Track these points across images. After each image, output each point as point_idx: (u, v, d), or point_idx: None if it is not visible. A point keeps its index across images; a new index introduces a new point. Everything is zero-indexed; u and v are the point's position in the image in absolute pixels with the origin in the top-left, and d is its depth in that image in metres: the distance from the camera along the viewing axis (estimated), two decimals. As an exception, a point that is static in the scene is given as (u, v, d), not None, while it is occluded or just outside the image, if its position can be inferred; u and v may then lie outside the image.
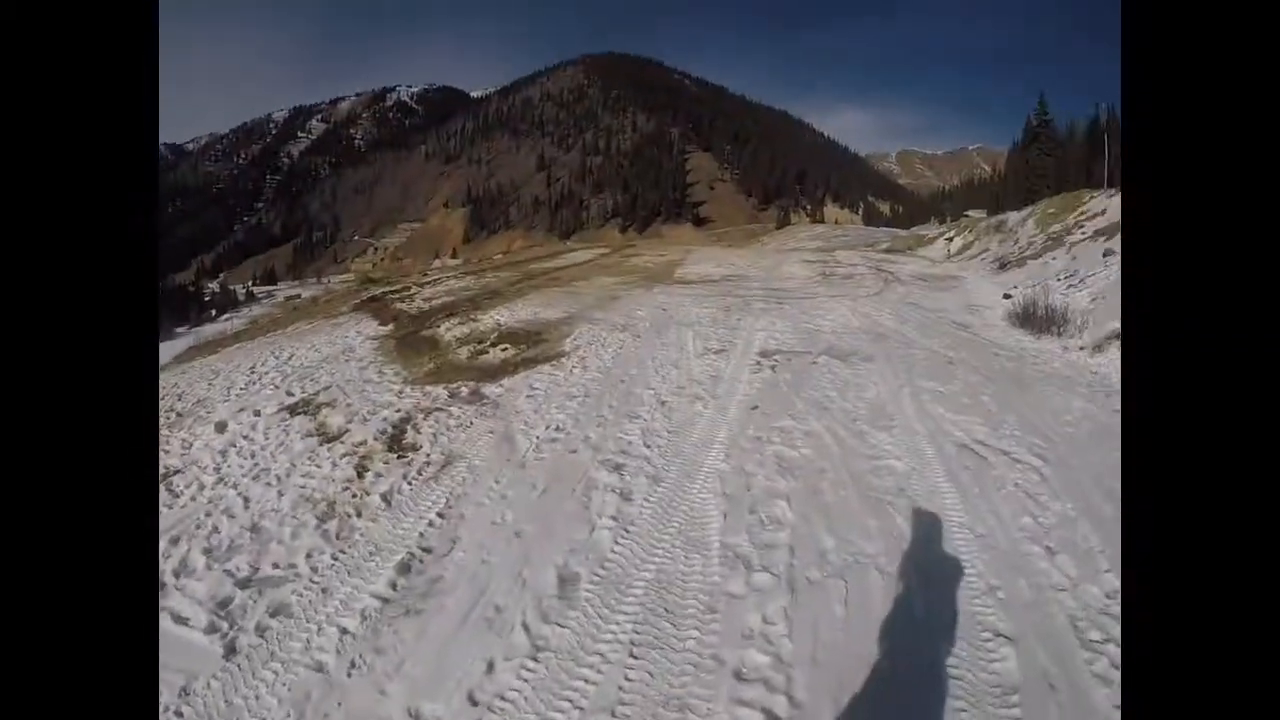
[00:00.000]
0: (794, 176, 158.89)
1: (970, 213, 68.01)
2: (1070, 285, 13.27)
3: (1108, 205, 19.39)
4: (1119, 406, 6.01)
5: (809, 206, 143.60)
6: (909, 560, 3.50)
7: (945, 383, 6.61)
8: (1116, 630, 2.89)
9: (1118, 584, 3.15)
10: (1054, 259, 16.55)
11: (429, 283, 16.54)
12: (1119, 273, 11.76)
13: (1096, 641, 2.86)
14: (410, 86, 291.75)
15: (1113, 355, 7.91)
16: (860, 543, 3.65)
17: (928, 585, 3.29)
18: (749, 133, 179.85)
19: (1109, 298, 10.49)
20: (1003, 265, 19.00)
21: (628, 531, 3.85)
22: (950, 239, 29.33)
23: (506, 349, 8.19)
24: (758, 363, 7.19)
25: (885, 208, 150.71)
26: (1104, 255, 14.34)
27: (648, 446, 5.03)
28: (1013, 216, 25.56)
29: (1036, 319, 10.09)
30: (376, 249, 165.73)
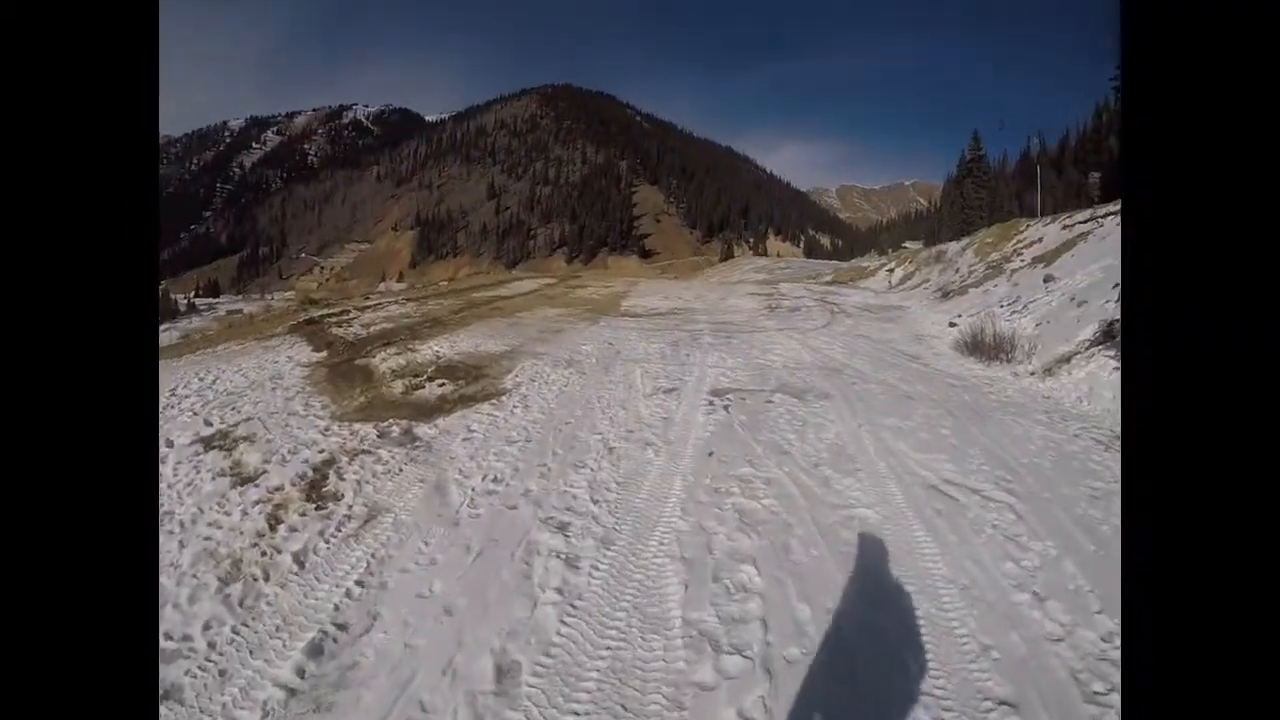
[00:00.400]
0: (738, 210, 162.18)
1: (908, 244, 70.39)
2: (1014, 311, 13.41)
3: (1043, 233, 19.87)
4: (1078, 432, 6.03)
5: (752, 240, 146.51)
6: (895, 626, 3.10)
7: (904, 418, 6.36)
8: (1118, 678, 2.68)
9: (1112, 626, 3.03)
10: (995, 286, 16.80)
11: (370, 307, 15.72)
12: (1060, 298, 12.01)
13: (1100, 694, 2.65)
14: (367, 106, 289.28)
15: (1063, 380, 7.93)
16: (839, 610, 3.23)
17: (918, 653, 2.90)
18: (695, 167, 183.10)
19: (1052, 323, 10.61)
20: (945, 294, 19.23)
21: (575, 607, 3.33)
22: (891, 270, 29.88)
23: (444, 384, 7.59)
24: (710, 402, 6.79)
25: (826, 240, 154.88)
26: (1044, 281, 14.55)
27: (595, 502, 4.51)
28: (952, 247, 26.16)
29: (985, 346, 10.12)
30: (322, 268, 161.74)
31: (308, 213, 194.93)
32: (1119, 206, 16.98)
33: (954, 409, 6.77)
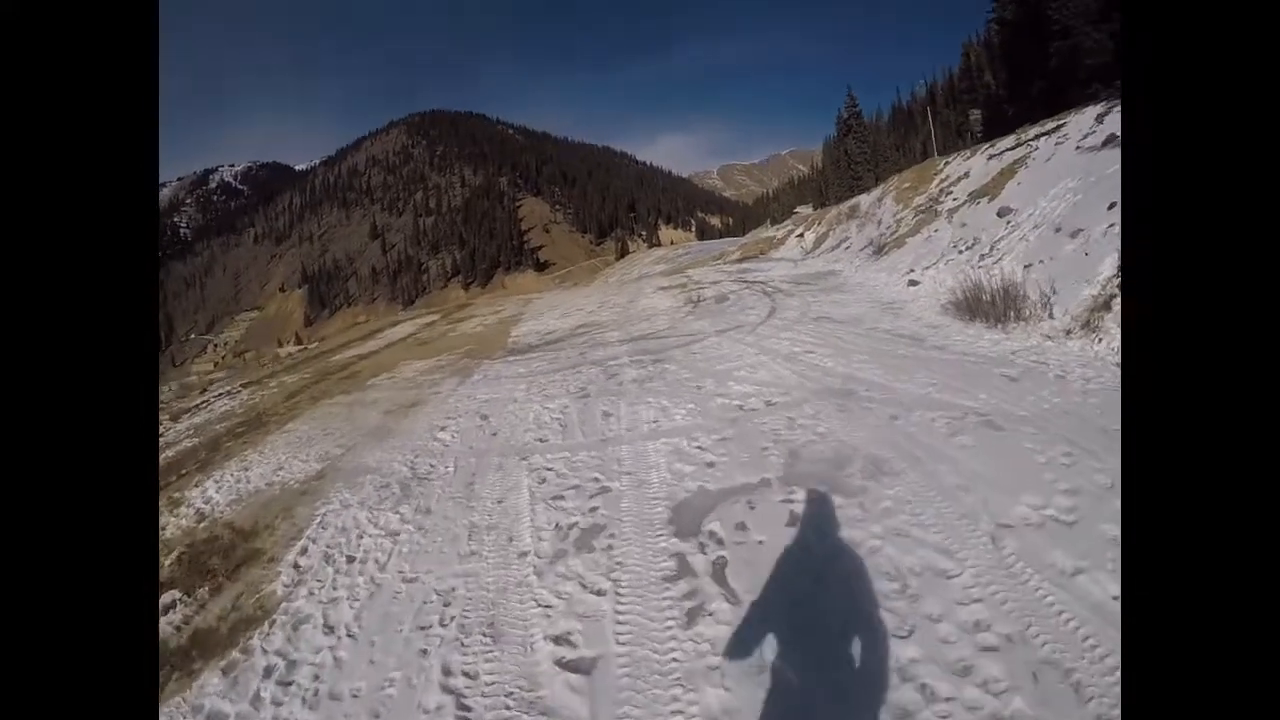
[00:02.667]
0: (625, 207, 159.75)
1: (799, 209, 69.24)
2: (983, 255, 10.82)
3: (966, 167, 17.55)
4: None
5: (644, 233, 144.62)
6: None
7: (1044, 495, 3.33)
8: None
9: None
10: (935, 232, 14.54)
11: (194, 407, 11.49)
12: (1037, 231, 9.60)
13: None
14: (233, 165, 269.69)
15: (1115, 332, 5.95)
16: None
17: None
18: (575, 172, 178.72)
19: (1048, 262, 8.17)
20: (879, 250, 16.83)
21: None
22: (801, 235, 27.36)
23: (175, 604, 3.81)
24: (679, 558, 3.26)
25: (716, 221, 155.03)
26: (999, 215, 12.02)
27: None
28: (864, 199, 23.75)
29: (987, 307, 7.72)
30: (216, 346, 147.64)
31: (189, 290, 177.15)
32: (1044, 128, 14.90)
33: (1060, 428, 4.06)
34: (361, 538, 4.09)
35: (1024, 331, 6.91)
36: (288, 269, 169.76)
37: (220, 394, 12.47)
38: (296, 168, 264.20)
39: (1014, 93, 26.56)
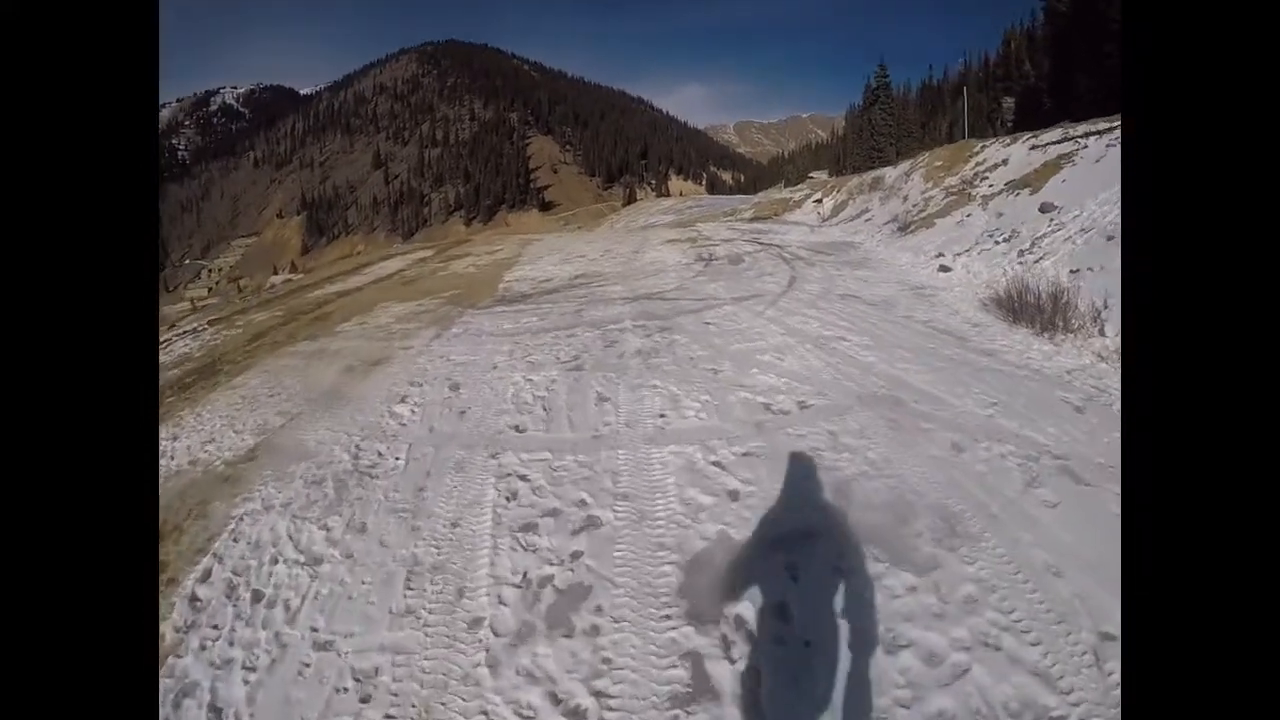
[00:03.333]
0: (636, 154, 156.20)
1: (814, 174, 67.39)
2: (1023, 251, 9.88)
3: (1006, 155, 16.34)
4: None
5: (654, 182, 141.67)
6: None
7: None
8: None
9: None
10: (968, 216, 13.41)
11: (162, 343, 10.41)
12: (1086, 235, 8.75)
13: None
14: (235, 87, 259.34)
15: None
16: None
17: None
18: (589, 114, 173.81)
19: (1097, 271, 7.34)
20: (904, 227, 15.73)
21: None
22: (818, 201, 26.02)
23: None
24: (693, 661, 2.33)
25: (728, 177, 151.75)
26: (1042, 211, 10.98)
27: None
28: (889, 172, 22.37)
29: (1033, 311, 6.92)
30: (210, 271, 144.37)
31: (185, 214, 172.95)
32: (1096, 126, 13.91)
33: None
34: (276, 563, 3.08)
35: (1074, 346, 6.08)
36: (287, 195, 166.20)
37: (184, 332, 11.33)
38: (302, 91, 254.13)
39: (1055, 86, 25.30)
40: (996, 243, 10.74)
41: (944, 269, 10.63)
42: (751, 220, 25.30)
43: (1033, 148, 15.11)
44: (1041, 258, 8.95)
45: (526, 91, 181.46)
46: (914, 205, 17.10)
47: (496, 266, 13.55)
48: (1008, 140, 18.23)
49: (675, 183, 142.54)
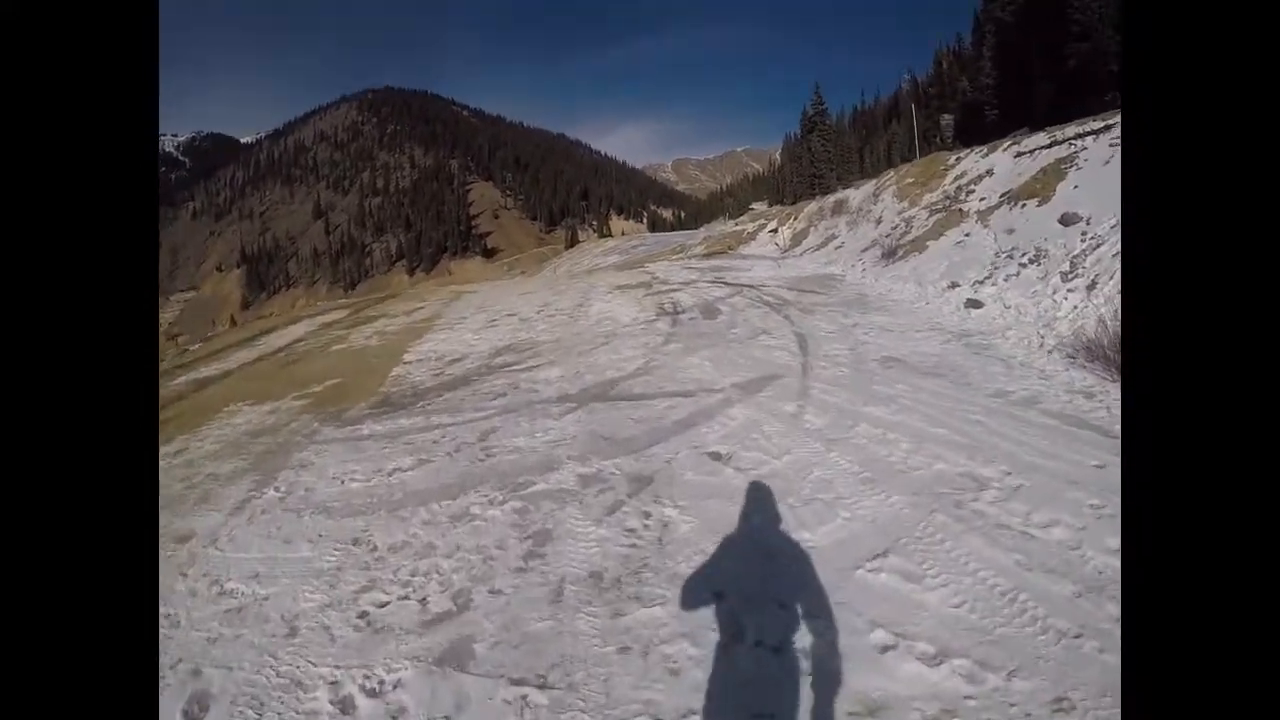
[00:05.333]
0: (577, 196, 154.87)
1: (754, 205, 66.53)
2: (1065, 275, 7.69)
3: (988, 164, 14.41)
4: None
5: (595, 223, 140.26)
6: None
7: None
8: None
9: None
10: (968, 236, 11.24)
11: None
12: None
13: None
14: (175, 135, 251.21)
15: None
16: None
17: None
18: (529, 158, 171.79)
19: None
20: (889, 253, 13.57)
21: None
22: (773, 231, 23.80)
23: None
24: None
25: (668, 214, 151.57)
26: (1063, 223, 8.94)
27: None
28: (852, 194, 20.32)
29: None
30: None
31: None
32: (1086, 127, 12.25)
33: None
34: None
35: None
36: (226, 247, 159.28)
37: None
38: (242, 140, 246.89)
39: (1004, 97, 24.16)
40: (1022, 266, 8.73)
41: (973, 304, 8.49)
42: (707, 257, 22.72)
43: (1018, 154, 13.16)
44: (1093, 282, 7.01)
45: (467, 137, 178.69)
46: (892, 227, 14.92)
47: (405, 335, 10.50)
48: (984, 150, 16.28)
49: (616, 223, 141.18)
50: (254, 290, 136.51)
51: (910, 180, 17.22)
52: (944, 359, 5.88)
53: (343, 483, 4.23)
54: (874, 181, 19.86)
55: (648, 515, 3.36)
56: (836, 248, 16.80)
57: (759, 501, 3.33)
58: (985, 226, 11.00)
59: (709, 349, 6.82)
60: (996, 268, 9.20)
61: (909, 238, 13.52)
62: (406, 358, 8.30)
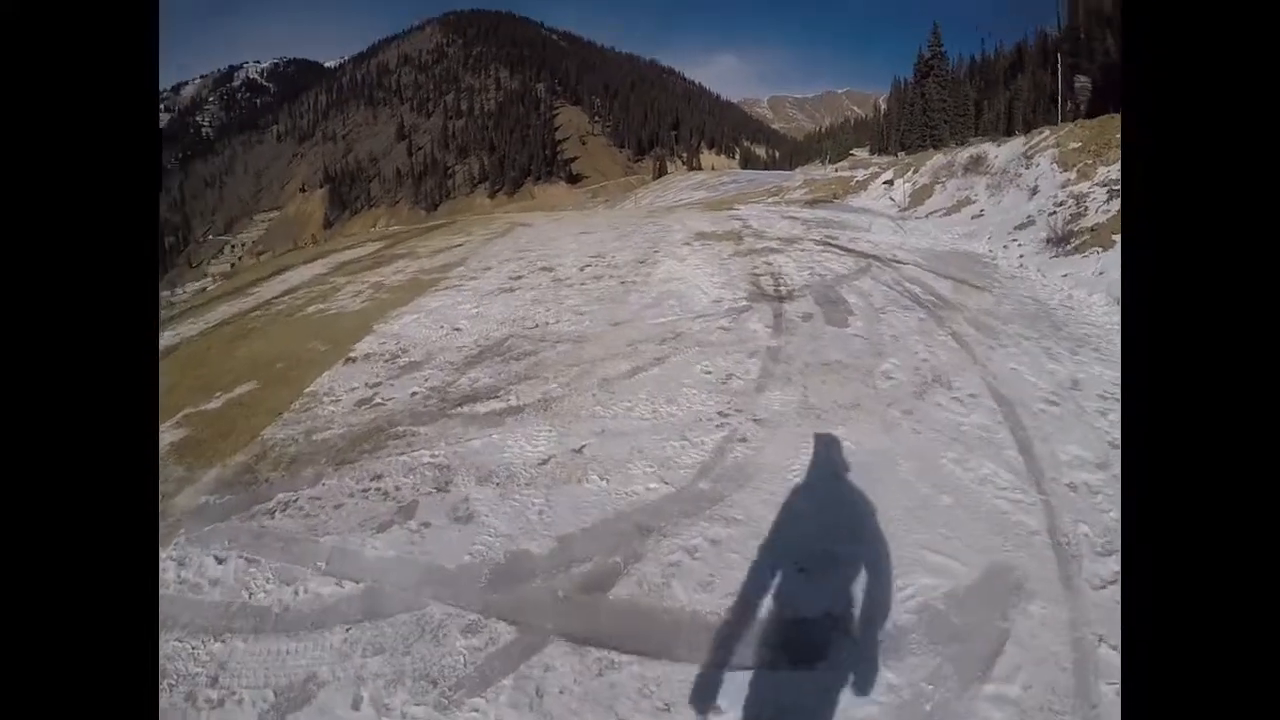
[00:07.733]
0: (667, 126, 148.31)
1: (855, 152, 60.68)
2: None
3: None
4: None
5: (685, 155, 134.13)
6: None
7: None
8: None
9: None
10: None
11: None
12: None
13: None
14: (259, 62, 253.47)
15: None
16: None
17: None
18: (619, 84, 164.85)
19: None
20: (1060, 239, 9.80)
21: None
22: (888, 183, 19.65)
23: None
24: None
25: (761, 152, 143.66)
26: None
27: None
28: (992, 150, 15.97)
29: None
30: (233, 246, 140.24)
31: (208, 190, 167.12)
32: None
33: None
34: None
35: None
36: (310, 169, 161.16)
37: None
38: (326, 64, 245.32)
39: None
40: None
41: None
42: (809, 204, 18.86)
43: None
44: None
45: (554, 61, 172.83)
46: (1057, 204, 10.95)
47: (401, 293, 7.81)
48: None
49: (707, 156, 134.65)
50: (336, 210, 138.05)
51: (1076, 145, 12.95)
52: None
53: None
54: (1021, 139, 15.52)
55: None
56: (974, 216, 12.91)
57: None
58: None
59: (846, 422, 3.73)
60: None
61: (1085, 223, 9.69)
62: (360, 347, 5.57)
